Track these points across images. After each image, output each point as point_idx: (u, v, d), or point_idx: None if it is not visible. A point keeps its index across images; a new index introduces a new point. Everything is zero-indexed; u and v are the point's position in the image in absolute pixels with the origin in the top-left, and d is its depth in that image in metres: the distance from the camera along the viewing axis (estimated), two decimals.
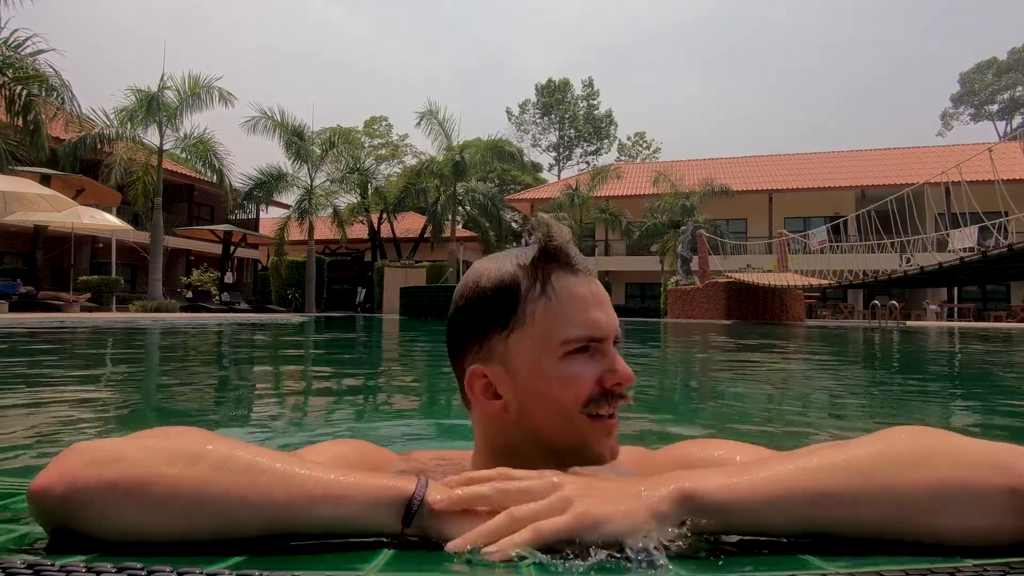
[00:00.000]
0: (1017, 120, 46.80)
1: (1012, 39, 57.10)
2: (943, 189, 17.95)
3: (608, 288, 28.43)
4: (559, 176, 45.13)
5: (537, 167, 44.22)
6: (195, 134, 18.06)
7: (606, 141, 49.39)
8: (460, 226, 27.73)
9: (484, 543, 0.53)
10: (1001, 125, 48.12)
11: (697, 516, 0.54)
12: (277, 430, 2.12)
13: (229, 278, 21.86)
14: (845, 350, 7.38)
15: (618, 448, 0.74)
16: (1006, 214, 13.04)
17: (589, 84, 49.13)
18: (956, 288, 23.88)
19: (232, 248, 22.74)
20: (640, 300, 30.14)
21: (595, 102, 49.20)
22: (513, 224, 30.36)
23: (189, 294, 19.58)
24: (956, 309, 23.51)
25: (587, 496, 0.55)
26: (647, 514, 0.53)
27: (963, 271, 12.84)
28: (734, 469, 0.57)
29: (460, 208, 27.49)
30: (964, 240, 13.72)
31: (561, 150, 49.85)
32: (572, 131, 49.17)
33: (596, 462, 0.73)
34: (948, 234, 15.33)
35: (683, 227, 22.00)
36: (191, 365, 4.62)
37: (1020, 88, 47.35)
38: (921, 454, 0.55)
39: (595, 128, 48.83)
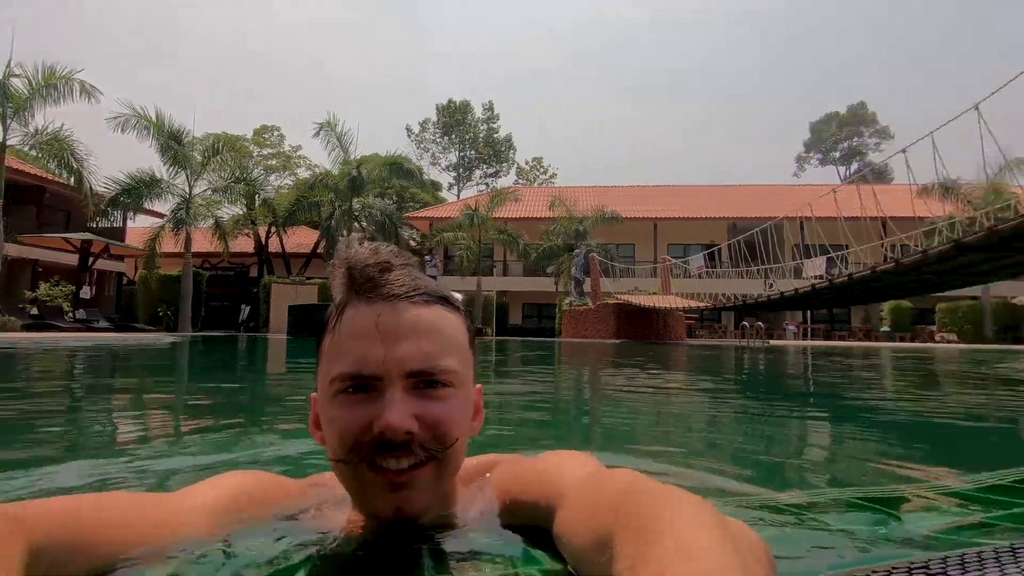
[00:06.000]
0: (854, 166, 54.23)
1: (852, 95, 66.32)
2: (799, 223, 20.30)
3: (504, 308, 29.08)
4: (459, 196, 45.39)
5: (437, 186, 44.14)
6: (50, 130, 16.09)
7: (505, 164, 50.53)
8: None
9: None
10: (842, 170, 55.58)
11: None
12: (152, 462, 1.90)
13: (86, 293, 19.47)
14: (715, 366, 8.04)
15: (417, 503, 0.65)
16: (847, 247, 14.97)
17: (490, 108, 50.18)
18: (810, 311, 26.98)
19: (92, 259, 20.34)
20: (537, 320, 30.91)
21: (495, 125, 50.31)
22: (411, 242, 29.96)
23: (34, 310, 17.17)
24: (810, 329, 26.59)
25: None
26: None
27: (815, 296, 14.48)
28: None
29: (356, 224, 26.71)
30: (815, 269, 15.60)
31: (461, 170, 50.24)
32: (472, 152, 49.81)
33: (380, 516, 0.66)
34: (802, 263, 17.31)
35: (577, 250, 22.95)
36: (30, 394, 4.03)
37: (856, 139, 55.21)
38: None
39: (494, 151, 49.82)
